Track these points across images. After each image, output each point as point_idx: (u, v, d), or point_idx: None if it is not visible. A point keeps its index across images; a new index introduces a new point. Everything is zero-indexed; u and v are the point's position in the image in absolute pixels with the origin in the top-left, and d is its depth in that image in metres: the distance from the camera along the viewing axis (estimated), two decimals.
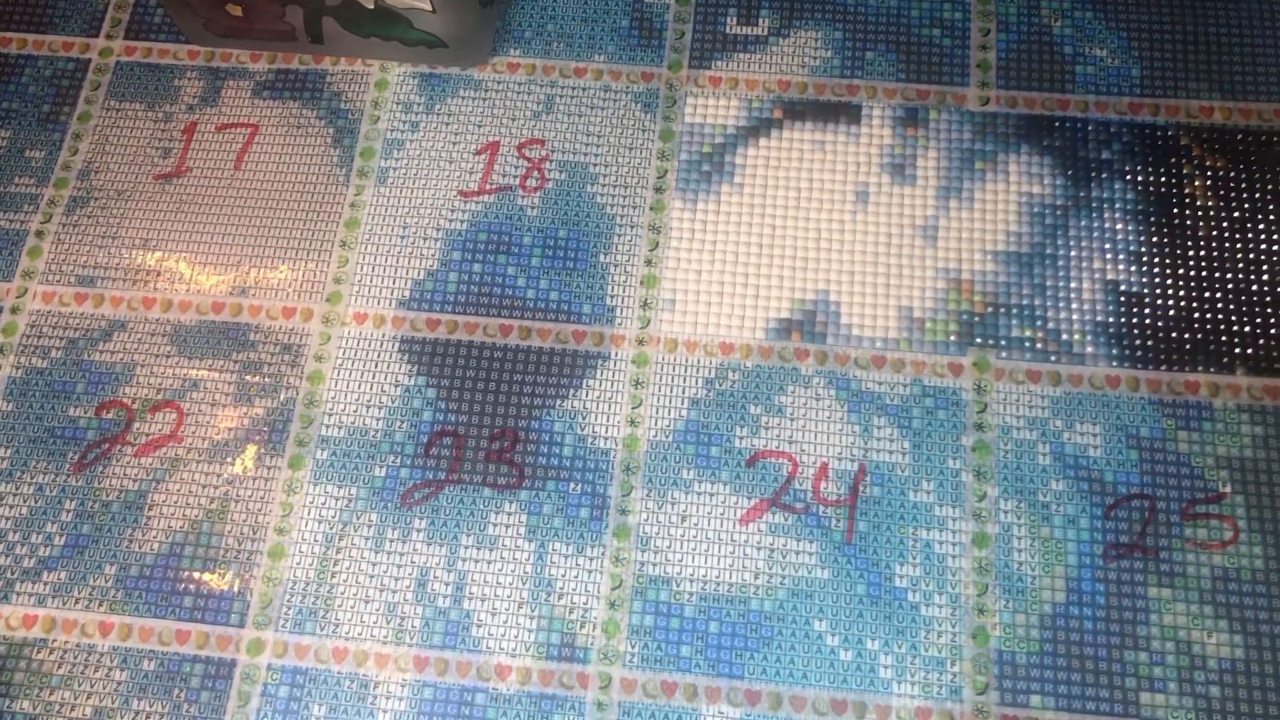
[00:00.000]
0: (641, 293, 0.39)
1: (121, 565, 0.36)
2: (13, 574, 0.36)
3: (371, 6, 0.38)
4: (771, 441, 0.36)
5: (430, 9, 0.38)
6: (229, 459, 0.37)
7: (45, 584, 0.36)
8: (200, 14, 0.40)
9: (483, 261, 0.39)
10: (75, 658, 0.35)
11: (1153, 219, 0.39)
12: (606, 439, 0.37)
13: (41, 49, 0.44)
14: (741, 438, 0.36)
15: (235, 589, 0.35)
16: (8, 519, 0.36)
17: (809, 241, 0.39)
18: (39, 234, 0.40)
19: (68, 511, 0.36)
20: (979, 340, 0.37)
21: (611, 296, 0.39)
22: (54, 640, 0.35)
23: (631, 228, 0.40)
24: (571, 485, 0.36)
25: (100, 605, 0.35)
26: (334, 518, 0.36)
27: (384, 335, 0.38)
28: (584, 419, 0.37)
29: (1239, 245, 0.38)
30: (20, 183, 0.41)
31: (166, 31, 0.43)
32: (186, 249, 0.40)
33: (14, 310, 0.39)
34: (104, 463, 0.37)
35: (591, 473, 0.36)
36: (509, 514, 0.36)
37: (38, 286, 0.40)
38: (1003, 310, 0.38)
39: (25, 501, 0.37)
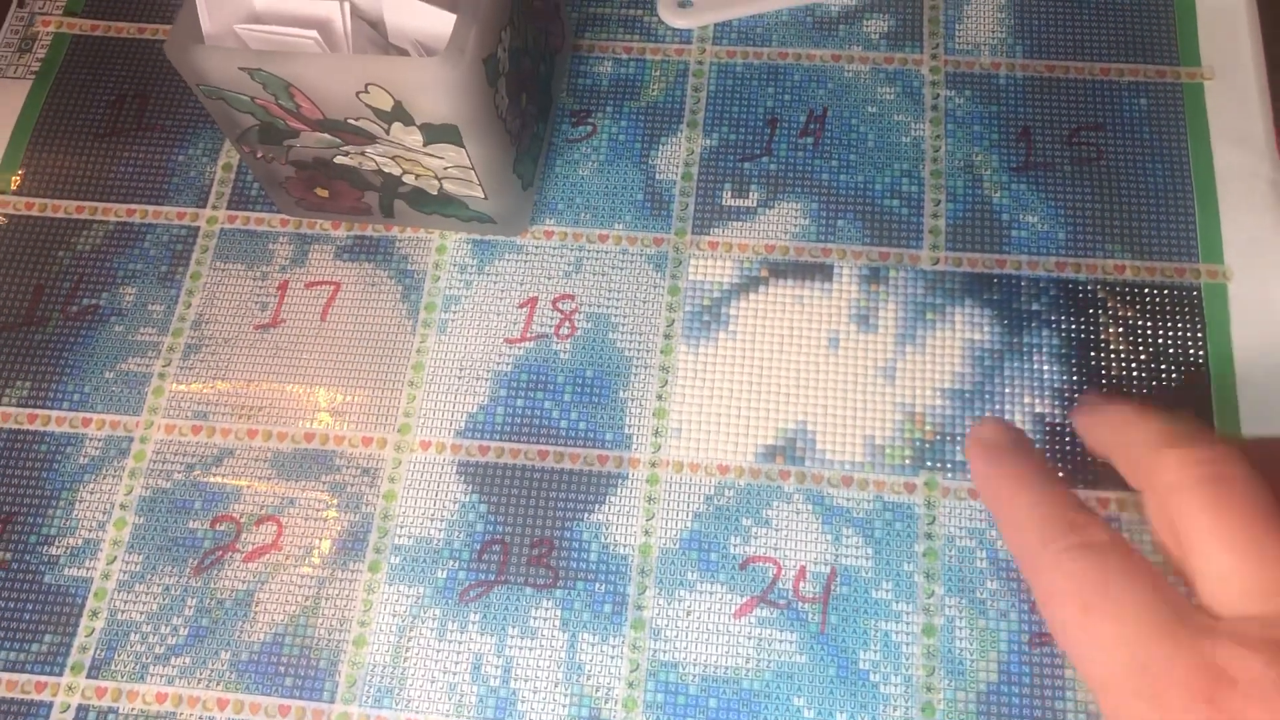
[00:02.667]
0: (654, 423, 0.47)
1: (234, 652, 0.44)
2: (147, 659, 0.44)
3: (435, 193, 0.47)
4: (760, 548, 0.45)
5: (483, 195, 0.47)
6: (320, 565, 0.45)
7: (173, 667, 0.44)
8: (293, 194, 0.50)
9: (524, 397, 0.48)
10: None
11: (1073, 361, 0.47)
12: (625, 546, 0.45)
13: (160, 218, 0.53)
14: (735, 545, 0.45)
15: (326, 671, 0.44)
16: (142, 613, 0.45)
17: (790, 379, 0.48)
18: (161, 375, 0.49)
19: (189, 607, 0.45)
20: (929, 463, 0.46)
21: (629, 426, 0.47)
22: (181, 713, 0.43)
23: (645, 368, 0.48)
24: (597, 585, 0.44)
25: (217, 684, 0.44)
26: (405, 612, 0.44)
27: (444, 460, 0.47)
28: (607, 529, 0.45)
29: (1145, 382, 0.47)
30: (145, 332, 0.50)
31: (261, 204, 0.53)
32: (283, 388, 0.49)
33: (142, 440, 0.48)
34: (218, 567, 0.46)
35: (613, 574, 0.45)
36: (546, 609, 0.44)
37: (160, 420, 0.49)
38: (949, 438, 0.46)
39: (155, 599, 0.45)
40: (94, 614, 0.45)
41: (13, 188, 0.54)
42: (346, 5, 0.43)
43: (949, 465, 0.45)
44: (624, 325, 0.49)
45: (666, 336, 0.48)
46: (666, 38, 0.55)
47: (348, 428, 0.48)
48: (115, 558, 0.46)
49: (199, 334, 0.50)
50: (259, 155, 0.47)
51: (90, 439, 0.48)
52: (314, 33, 0.42)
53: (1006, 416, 0.46)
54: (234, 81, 0.42)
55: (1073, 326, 0.48)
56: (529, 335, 0.49)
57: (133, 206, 0.53)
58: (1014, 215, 0.50)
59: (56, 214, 0.53)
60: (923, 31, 0.55)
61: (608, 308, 0.49)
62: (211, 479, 0.47)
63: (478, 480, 0.46)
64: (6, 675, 0.44)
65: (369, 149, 0.45)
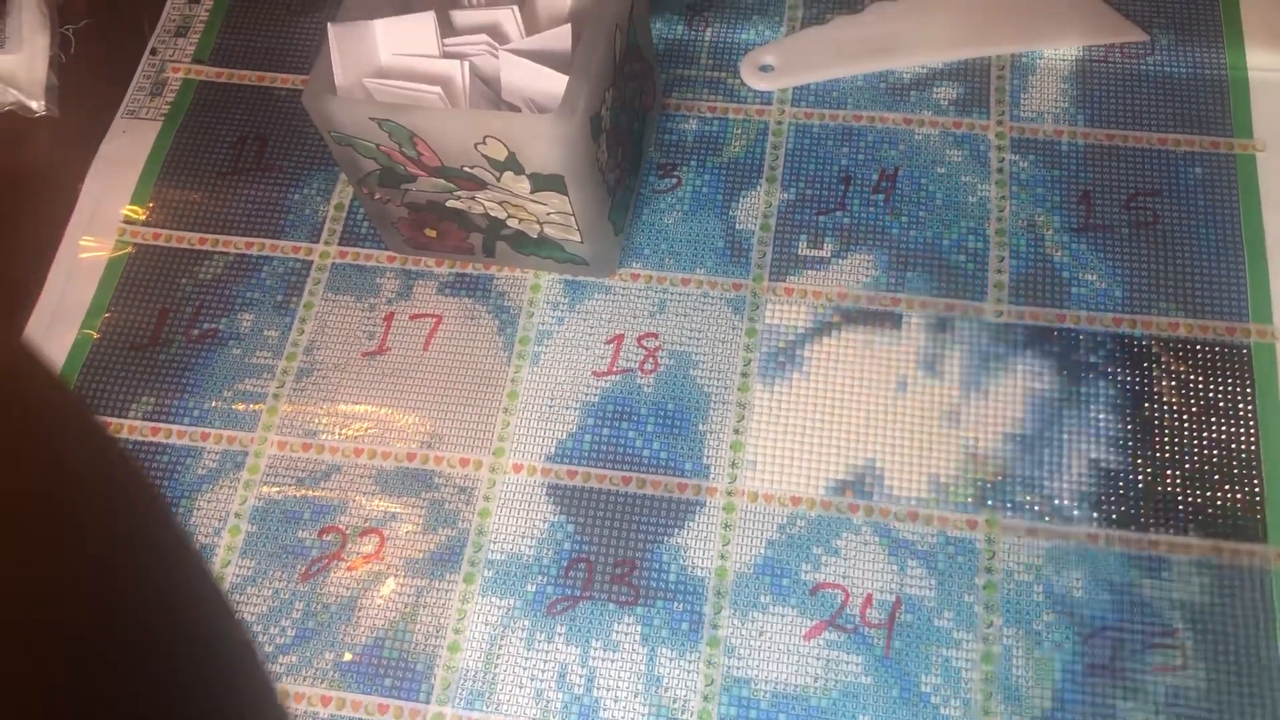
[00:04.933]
0: (730, 455, 0.51)
1: (337, 653, 0.48)
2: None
3: (536, 235, 0.51)
4: (829, 576, 0.48)
5: (579, 240, 0.51)
6: (419, 575, 0.49)
7: (281, 665, 0.48)
8: (404, 234, 0.54)
9: (610, 427, 0.52)
10: None
11: (1128, 411, 0.50)
12: (703, 569, 0.48)
13: (276, 250, 0.57)
14: (806, 572, 0.48)
15: (422, 674, 0.47)
16: (253, 615, 0.49)
17: (860, 419, 0.51)
18: (275, 396, 0.54)
19: (297, 610, 0.49)
20: (990, 502, 0.49)
21: (707, 457, 0.51)
22: (289, 708, 0.47)
23: (723, 404, 0.52)
24: (675, 604, 0.48)
25: (322, 683, 0.47)
26: (497, 622, 0.48)
27: (535, 482, 0.51)
28: (685, 553, 0.49)
29: (1194, 434, 0.50)
30: (260, 356, 0.55)
31: (370, 241, 0.57)
32: (387, 411, 0.53)
33: (256, 454, 0.52)
34: (324, 574, 0.49)
35: (691, 595, 0.48)
36: (628, 625, 0.47)
37: (274, 436, 0.53)
38: (1009, 479, 0.49)
39: (265, 602, 0.49)
40: None
41: (142, 219, 0.58)
42: (467, 65, 0.47)
43: (1009, 504, 0.48)
44: (704, 363, 0.52)
45: (744, 375, 0.52)
46: (748, 99, 0.59)
47: (447, 449, 0.51)
48: (230, 562, 0.50)
49: (311, 359, 0.54)
50: (376, 196, 0.51)
51: (208, 452, 0.52)
52: (438, 89, 0.46)
53: (1064, 460, 0.49)
54: (363, 130, 0.46)
55: (1128, 379, 0.51)
56: (615, 369, 0.53)
57: (251, 240, 0.58)
58: (1074, 273, 0.53)
59: (181, 244, 0.58)
60: (989, 99, 0.58)
61: (689, 346, 0.53)
62: (319, 493, 0.51)
63: (566, 502, 0.50)
64: None
65: (479, 194, 0.49)
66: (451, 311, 0.54)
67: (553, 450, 0.51)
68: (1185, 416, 0.50)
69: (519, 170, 0.47)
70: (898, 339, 0.52)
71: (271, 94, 0.62)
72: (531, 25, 0.50)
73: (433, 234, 0.53)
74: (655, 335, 0.53)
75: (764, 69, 0.60)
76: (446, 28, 0.50)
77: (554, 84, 0.46)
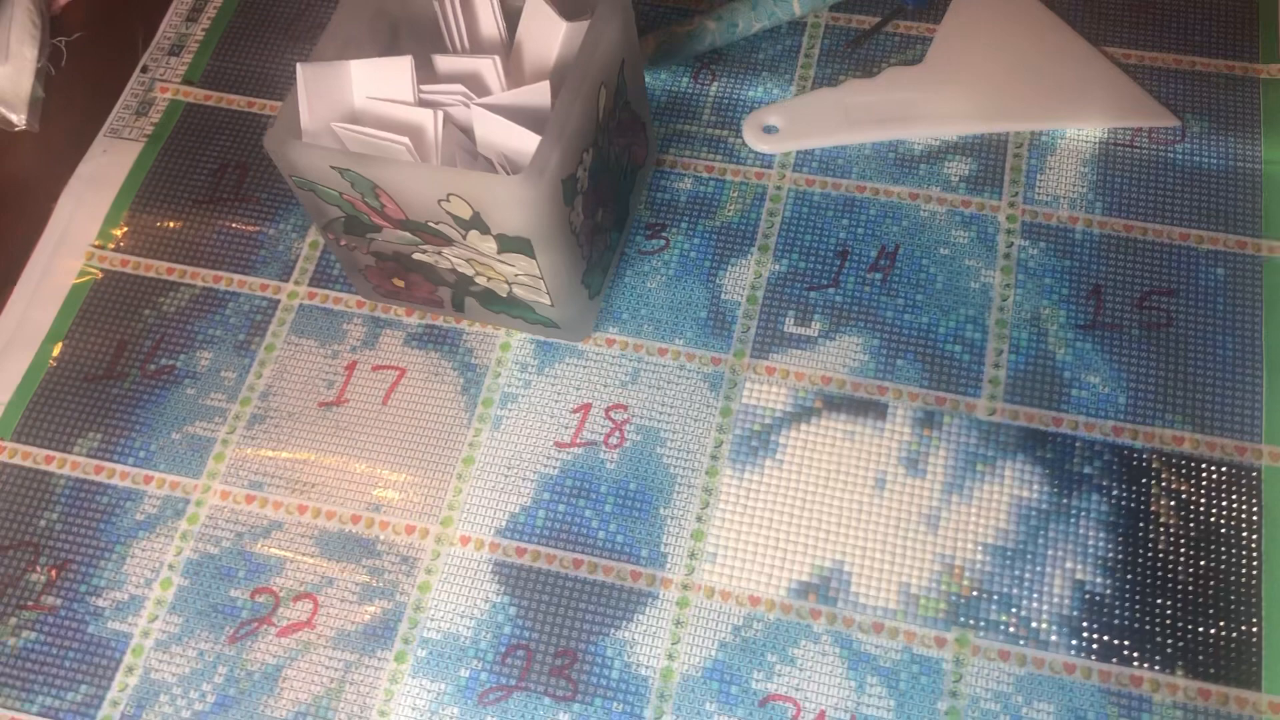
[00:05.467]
0: (690, 544, 0.48)
1: None
2: None
3: (504, 295, 0.49)
4: (782, 687, 0.45)
5: (549, 303, 0.48)
6: (349, 648, 0.46)
7: None
8: (371, 281, 0.52)
9: (566, 503, 0.49)
10: None
11: (1120, 530, 0.47)
12: (647, 668, 0.45)
13: (244, 287, 0.55)
14: (758, 680, 0.45)
15: None
16: (174, 675, 0.46)
17: (832, 516, 0.48)
18: (224, 442, 0.51)
19: (220, 674, 0.46)
20: (962, 619, 0.45)
21: (665, 544, 0.48)
22: None
23: (689, 487, 0.49)
24: (615, 704, 0.45)
25: None
26: (425, 707, 0.45)
27: (482, 557, 0.48)
28: (631, 648, 0.46)
29: (1192, 562, 0.46)
30: (214, 398, 0.52)
31: (341, 284, 0.55)
32: (337, 468, 0.50)
33: (198, 504, 0.50)
34: (252, 638, 0.47)
35: (632, 695, 0.45)
36: None
37: (218, 485, 0.50)
38: (985, 595, 0.46)
39: (189, 662, 0.47)
40: (129, 670, 0.46)
41: (111, 244, 0.57)
42: (440, 115, 0.44)
43: (983, 623, 0.45)
44: (672, 441, 0.49)
45: (714, 458, 0.49)
46: (748, 160, 0.56)
47: (393, 514, 0.49)
48: (157, 616, 0.47)
49: (265, 405, 0.52)
50: (342, 243, 0.49)
51: (150, 496, 0.50)
52: (406, 140, 0.44)
53: (1046, 579, 0.45)
54: (324, 177, 0.44)
55: (1124, 494, 0.47)
56: (579, 441, 0.50)
57: (220, 273, 0.55)
58: (1076, 374, 0.50)
59: (148, 273, 0.56)
60: (1003, 179, 0.55)
61: (659, 422, 0.50)
62: (258, 549, 0.48)
63: (511, 582, 0.47)
64: None
65: (445, 249, 0.46)
66: (416, 365, 0.52)
67: (504, 524, 0.48)
68: (1183, 541, 0.46)
69: (485, 230, 0.44)
70: (881, 431, 0.49)
71: (259, 121, 0.60)
72: (515, 77, 0.48)
73: (400, 284, 0.51)
74: (624, 407, 0.50)
75: (768, 130, 0.57)
76: (428, 72, 0.47)
77: (526, 142, 0.44)
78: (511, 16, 0.48)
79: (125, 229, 0.57)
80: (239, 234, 0.56)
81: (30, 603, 0.48)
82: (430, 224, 0.45)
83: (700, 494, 0.48)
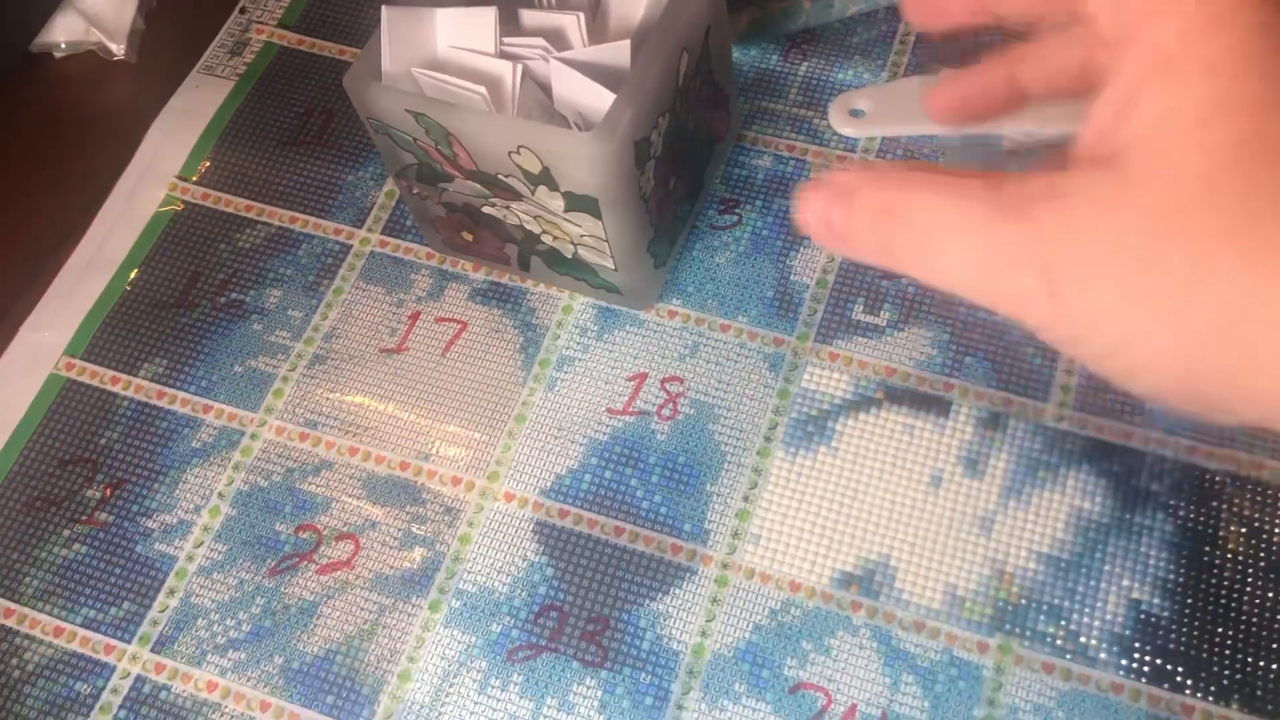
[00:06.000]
0: (734, 523, 0.47)
1: (287, 658, 0.46)
2: (208, 646, 0.46)
3: (569, 256, 0.48)
4: (814, 676, 0.44)
5: (613, 267, 0.48)
6: (385, 592, 0.46)
7: (229, 660, 0.46)
8: (441, 233, 0.52)
9: (613, 470, 0.48)
10: None
11: (1184, 552, 0.45)
12: (679, 642, 0.44)
13: (319, 230, 0.56)
14: (790, 667, 0.44)
15: (368, 698, 0.45)
16: (213, 601, 0.47)
17: (883, 509, 0.46)
18: (284, 379, 0.52)
19: (257, 605, 0.47)
20: (1007, 626, 0.44)
21: (709, 521, 0.47)
22: (226, 707, 0.45)
23: (738, 466, 0.48)
24: (643, 675, 0.44)
25: (265, 687, 0.45)
26: (454, 657, 0.45)
27: (524, 515, 0.48)
28: (664, 621, 0.45)
29: (1259, 592, 0.44)
30: (279, 335, 0.53)
31: (412, 234, 0.55)
32: (391, 414, 0.50)
33: (253, 436, 0.50)
34: (292, 573, 0.47)
35: (661, 668, 0.44)
36: (588, 687, 0.44)
37: (274, 420, 0.51)
38: (1034, 605, 0.44)
39: (229, 590, 0.47)
40: (171, 592, 0.47)
41: (195, 178, 0.57)
42: (519, 68, 0.44)
43: (1029, 633, 0.43)
44: (726, 418, 0.49)
45: (766, 439, 0.48)
46: (831, 142, 0.55)
47: (441, 465, 0.49)
48: (202, 543, 0.48)
49: (328, 346, 0.52)
50: (415, 191, 0.49)
51: (207, 425, 0.51)
52: (483, 89, 0.43)
53: (1100, 595, 0.44)
54: (400, 121, 0.44)
55: (1191, 516, 0.45)
56: (631, 410, 0.49)
57: (297, 215, 0.56)
58: None
59: (227, 208, 0.57)
60: None
61: (714, 398, 0.49)
62: (306, 486, 0.49)
63: (550, 543, 0.47)
64: (83, 631, 0.47)
65: (514, 204, 0.46)
66: (478, 320, 0.52)
67: (549, 484, 0.48)
68: (1250, 570, 0.44)
69: (553, 186, 0.44)
70: (943, 428, 0.47)
71: (347, 68, 0.60)
72: (597, 35, 0.47)
73: (469, 237, 0.50)
74: (680, 380, 0.49)
75: (854, 113, 0.55)
76: (512, 26, 0.47)
77: (602, 100, 0.43)
78: None
79: (209, 164, 0.58)
80: (318, 177, 0.57)
81: (84, 517, 0.49)
82: (500, 176, 0.44)
83: (749, 474, 0.47)
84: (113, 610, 0.47)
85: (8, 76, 0.61)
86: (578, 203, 0.44)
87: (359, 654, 0.45)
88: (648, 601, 0.45)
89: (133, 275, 0.55)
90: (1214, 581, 0.44)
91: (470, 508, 0.48)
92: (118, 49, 0.60)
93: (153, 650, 0.46)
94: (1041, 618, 0.44)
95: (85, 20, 0.60)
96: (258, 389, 0.51)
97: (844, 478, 0.47)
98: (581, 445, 0.49)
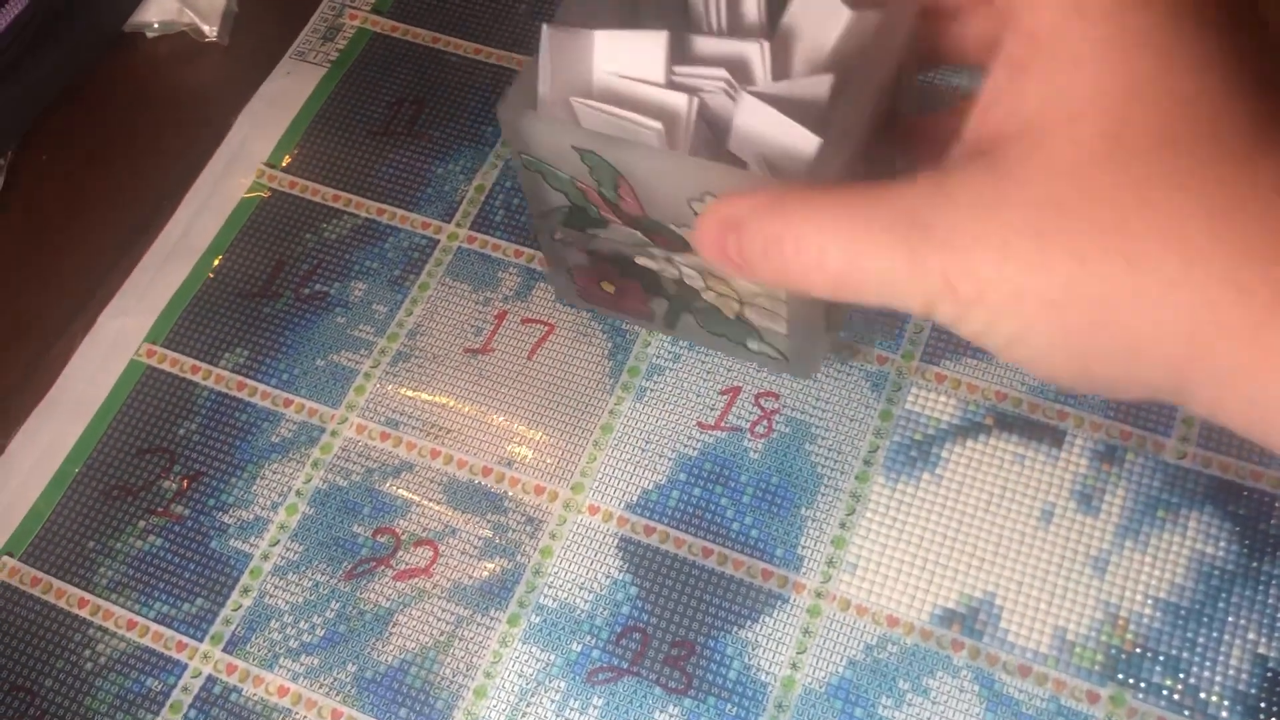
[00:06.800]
0: (830, 550, 0.44)
1: (360, 666, 0.44)
2: (280, 649, 0.45)
3: (731, 315, 0.44)
4: (910, 718, 0.41)
5: (783, 331, 0.43)
6: (463, 603, 0.45)
7: (302, 664, 0.44)
8: (578, 282, 0.47)
9: (703, 488, 0.46)
10: None
11: None
12: (768, 674, 0.42)
13: (406, 223, 0.54)
14: (885, 707, 0.41)
15: (441, 713, 0.43)
16: (288, 602, 0.46)
17: (989, 544, 0.44)
18: (367, 375, 0.50)
19: (332, 610, 0.45)
20: (1120, 676, 0.41)
21: (803, 547, 0.45)
22: (297, 713, 0.43)
23: (835, 490, 0.46)
24: (729, 706, 0.42)
25: (337, 695, 0.44)
26: (532, 675, 0.43)
27: (609, 530, 0.46)
28: (753, 650, 0.43)
29: None
30: (363, 330, 0.51)
31: (502, 229, 0.53)
32: (475, 417, 0.49)
33: (333, 434, 0.49)
34: (369, 577, 0.46)
35: (748, 700, 0.42)
36: (671, 716, 0.42)
37: (355, 418, 0.49)
38: (1150, 654, 0.41)
39: (304, 592, 0.46)
40: (245, 590, 0.46)
41: (282, 165, 0.56)
42: (696, 102, 0.39)
43: (1144, 684, 0.40)
44: (824, 439, 0.46)
45: (866, 463, 0.46)
46: None
47: (525, 472, 0.47)
48: (279, 541, 0.47)
49: (412, 344, 0.51)
50: (557, 236, 0.43)
51: (287, 420, 0.49)
52: (659, 124, 0.37)
53: (1223, 648, 0.41)
54: (561, 158, 0.38)
55: None
56: (723, 425, 0.47)
57: (384, 206, 0.55)
58: None
59: (314, 197, 0.55)
60: None
61: (811, 416, 0.47)
62: (386, 488, 0.47)
63: (635, 560, 0.45)
64: (155, 626, 0.46)
65: (678, 255, 0.41)
66: (566, 323, 0.50)
67: (635, 499, 0.46)
68: None
69: None
70: (1055, 459, 0.45)
71: (440, 57, 0.59)
72: (780, 68, 0.41)
73: (610, 289, 0.46)
74: (776, 396, 0.47)
75: None
76: (676, 52, 0.41)
77: (801, 143, 0.37)
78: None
79: (297, 151, 0.56)
80: (407, 169, 0.55)
81: (160, 509, 0.48)
82: (671, 225, 0.39)
83: (847, 499, 0.45)
84: (186, 606, 0.46)
85: (99, 56, 0.60)
86: None
87: (434, 666, 0.44)
88: (735, 629, 0.43)
89: (216, 263, 0.54)
90: None
91: (553, 519, 0.46)
92: (210, 31, 0.59)
93: (225, 650, 0.45)
94: (1158, 669, 0.41)
95: (178, 1, 0.59)
96: (340, 384, 0.50)
97: (948, 507, 0.45)
98: (670, 460, 0.47)
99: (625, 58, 0.40)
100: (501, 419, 0.48)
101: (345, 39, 0.60)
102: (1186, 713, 0.40)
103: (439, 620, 0.45)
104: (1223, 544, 0.43)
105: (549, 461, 0.47)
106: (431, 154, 0.56)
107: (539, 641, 0.44)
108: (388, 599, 0.45)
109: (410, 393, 0.49)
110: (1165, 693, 0.41)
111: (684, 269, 0.42)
